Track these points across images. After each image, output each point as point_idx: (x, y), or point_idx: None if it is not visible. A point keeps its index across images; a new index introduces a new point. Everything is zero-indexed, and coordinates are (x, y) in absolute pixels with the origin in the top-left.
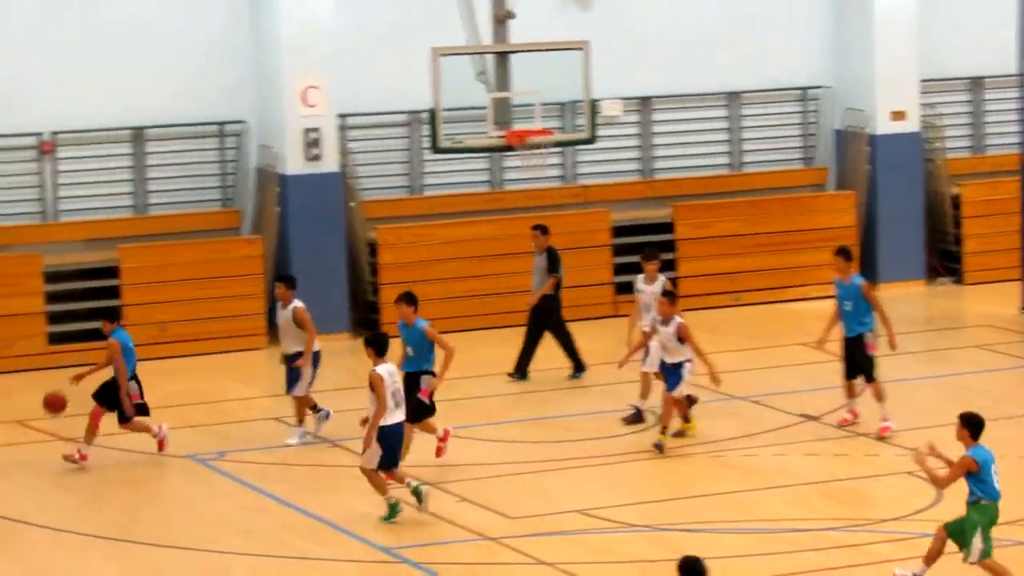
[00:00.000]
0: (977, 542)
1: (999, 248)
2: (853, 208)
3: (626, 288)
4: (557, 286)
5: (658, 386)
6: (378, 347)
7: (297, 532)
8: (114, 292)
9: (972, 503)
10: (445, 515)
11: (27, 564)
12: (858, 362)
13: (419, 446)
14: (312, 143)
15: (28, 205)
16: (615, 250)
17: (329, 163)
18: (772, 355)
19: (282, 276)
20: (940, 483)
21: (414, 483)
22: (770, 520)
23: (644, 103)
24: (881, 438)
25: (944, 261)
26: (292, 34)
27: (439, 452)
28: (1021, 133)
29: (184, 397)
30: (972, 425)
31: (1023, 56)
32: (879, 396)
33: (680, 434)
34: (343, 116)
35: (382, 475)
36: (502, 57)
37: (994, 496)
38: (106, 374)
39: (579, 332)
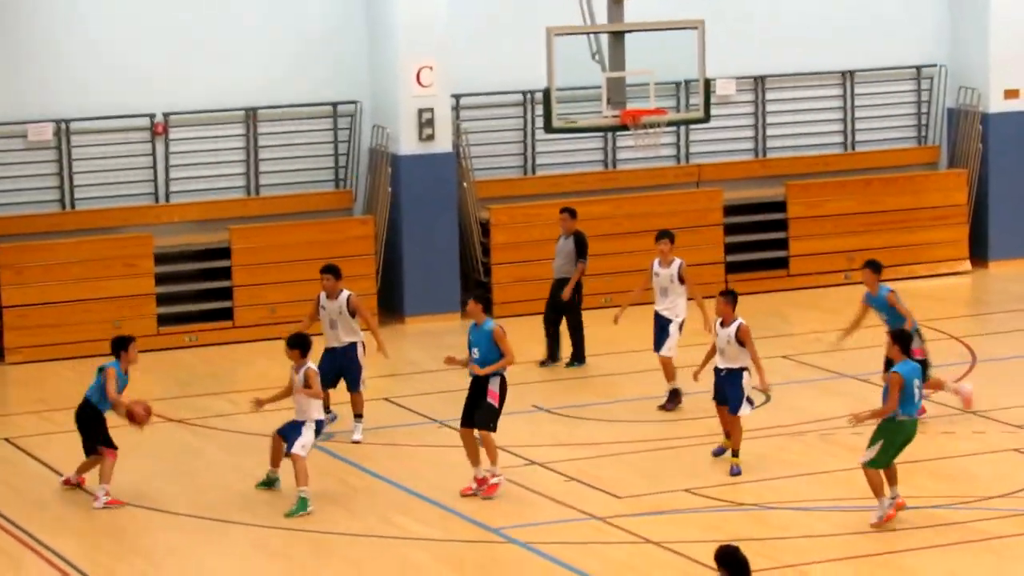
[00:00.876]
0: (872, 451)
1: None
2: (965, 186)
3: (738, 267)
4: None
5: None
6: (303, 348)
7: (403, 511)
8: (225, 273)
9: (890, 418)
10: (552, 495)
11: (138, 546)
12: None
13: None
14: (425, 123)
15: (140, 186)
16: (727, 229)
17: (442, 143)
18: (882, 334)
19: (330, 267)
20: (887, 410)
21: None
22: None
23: (757, 82)
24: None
25: None
26: (406, 14)
27: (479, 490)
28: None
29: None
30: (901, 340)
31: None
32: (939, 386)
33: (721, 452)
34: (456, 96)
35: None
36: (617, 36)
37: (910, 411)
38: None
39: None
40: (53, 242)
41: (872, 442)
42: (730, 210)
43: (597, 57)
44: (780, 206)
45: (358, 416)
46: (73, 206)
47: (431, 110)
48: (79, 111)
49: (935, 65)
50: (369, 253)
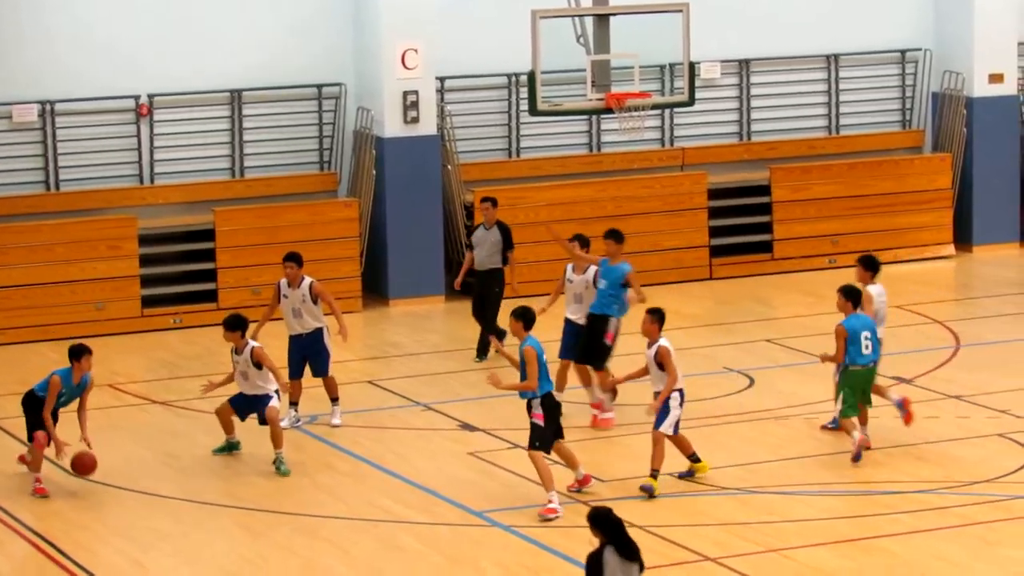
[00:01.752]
0: (839, 403)
1: None
2: (949, 170)
3: (722, 251)
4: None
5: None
6: (244, 328)
7: (387, 494)
8: (210, 255)
9: (842, 369)
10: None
11: (119, 527)
12: None
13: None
14: (410, 106)
15: (125, 168)
16: (712, 213)
17: (427, 126)
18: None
19: (292, 255)
20: (836, 358)
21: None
22: (861, 482)
23: (742, 66)
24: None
25: None
26: None
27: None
28: None
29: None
30: (851, 296)
31: None
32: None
33: (689, 474)
34: (441, 79)
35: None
36: (602, 19)
37: (859, 362)
38: None
39: (674, 294)
40: (37, 223)
41: (836, 396)
42: (714, 193)
43: (582, 40)
44: (764, 189)
45: (335, 400)
46: (58, 187)
47: (416, 92)
48: (64, 92)
49: (920, 49)
50: (353, 236)
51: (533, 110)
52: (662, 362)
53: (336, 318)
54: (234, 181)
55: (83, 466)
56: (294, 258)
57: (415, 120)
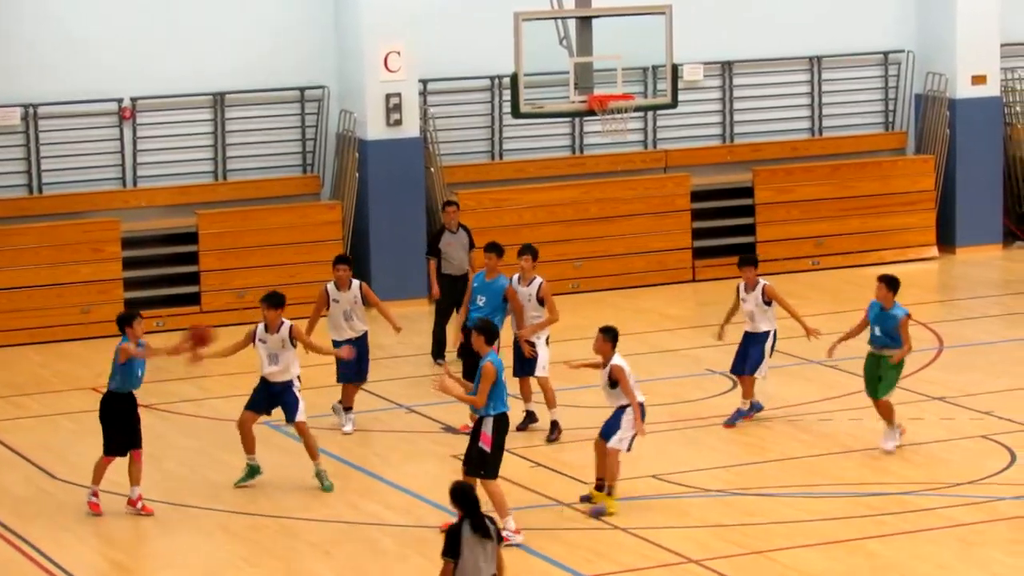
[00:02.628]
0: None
1: None
2: (932, 172)
3: (705, 253)
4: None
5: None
6: (283, 306)
7: (370, 497)
8: (193, 258)
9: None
10: (518, 480)
11: (104, 531)
12: None
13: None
14: (393, 108)
15: (108, 171)
16: (695, 215)
17: (410, 128)
18: (851, 319)
19: (343, 257)
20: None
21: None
22: (846, 484)
23: (726, 68)
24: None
25: (1021, 226)
26: None
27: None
28: None
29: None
30: (893, 286)
31: None
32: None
33: (587, 499)
34: (424, 81)
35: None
36: (584, 21)
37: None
38: None
39: (656, 297)
40: (20, 226)
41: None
42: (697, 195)
43: (565, 42)
44: (747, 191)
45: (348, 408)
46: (40, 191)
47: (399, 95)
48: (47, 95)
49: (903, 51)
50: (336, 238)
51: (516, 112)
52: (616, 380)
53: (385, 315)
54: (217, 184)
55: (199, 338)
56: (346, 260)
57: (398, 122)
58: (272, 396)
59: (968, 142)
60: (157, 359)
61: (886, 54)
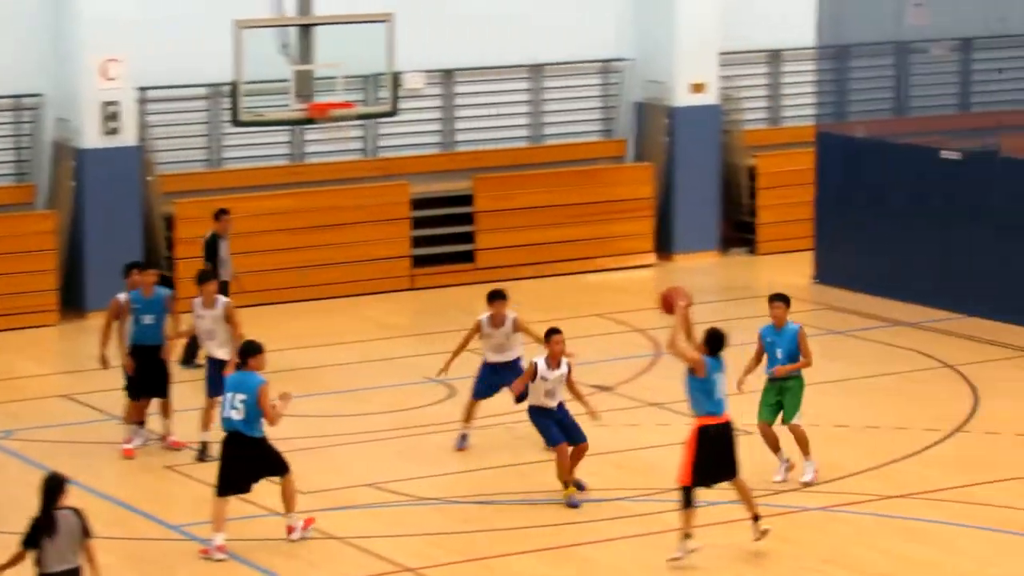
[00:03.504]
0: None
1: (793, 219)
2: (651, 180)
3: (425, 261)
4: None
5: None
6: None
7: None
8: None
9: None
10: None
11: None
12: None
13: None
14: (110, 116)
15: None
16: (415, 223)
17: (127, 137)
18: (570, 327)
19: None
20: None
21: None
22: (559, 491)
23: (447, 75)
24: None
25: (739, 232)
26: (92, 4)
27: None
28: (817, 105)
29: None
30: (786, 302)
31: (820, 29)
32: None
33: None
34: (142, 89)
35: None
36: (305, 29)
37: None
38: None
39: (376, 305)
40: None
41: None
42: (417, 203)
43: (286, 50)
44: (467, 199)
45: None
46: None
47: (116, 103)
48: None
49: (624, 59)
50: (50, 248)
51: (235, 120)
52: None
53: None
54: None
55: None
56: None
57: (115, 131)
58: None
59: (687, 149)
60: None
61: (607, 62)
